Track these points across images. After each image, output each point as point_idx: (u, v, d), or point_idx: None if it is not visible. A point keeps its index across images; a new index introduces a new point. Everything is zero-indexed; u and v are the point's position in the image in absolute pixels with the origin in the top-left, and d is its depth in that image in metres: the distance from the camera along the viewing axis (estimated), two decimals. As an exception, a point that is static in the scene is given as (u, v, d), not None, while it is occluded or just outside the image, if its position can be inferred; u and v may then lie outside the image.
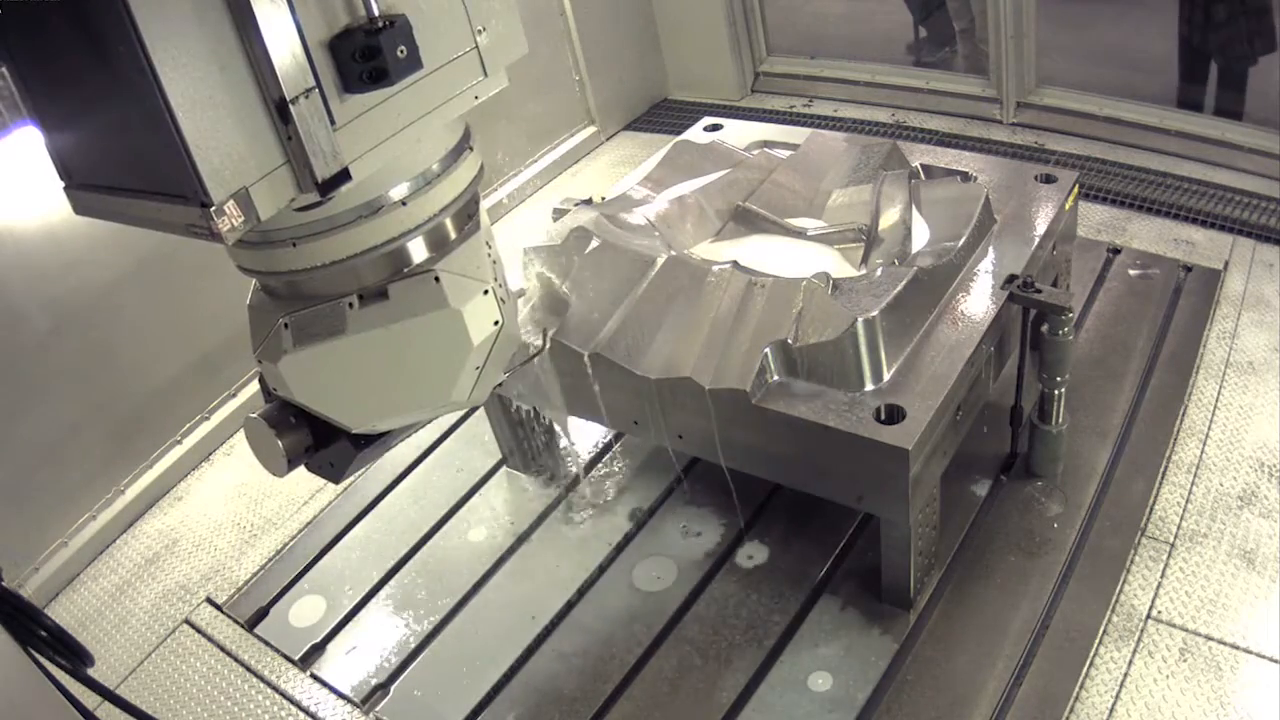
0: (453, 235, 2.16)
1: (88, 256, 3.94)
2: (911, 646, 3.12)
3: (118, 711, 2.07)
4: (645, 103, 6.76)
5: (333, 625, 3.57)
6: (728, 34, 6.40)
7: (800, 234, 3.61)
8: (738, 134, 4.30)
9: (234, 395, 4.60)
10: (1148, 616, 3.08)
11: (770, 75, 6.62)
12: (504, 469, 4.04)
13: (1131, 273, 4.46)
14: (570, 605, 3.45)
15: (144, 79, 1.59)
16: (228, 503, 4.23)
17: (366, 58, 1.76)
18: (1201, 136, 5.10)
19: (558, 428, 3.95)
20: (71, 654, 1.85)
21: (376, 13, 1.78)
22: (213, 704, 3.38)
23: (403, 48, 1.78)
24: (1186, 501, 3.41)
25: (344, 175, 1.82)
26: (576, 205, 3.76)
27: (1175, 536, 3.30)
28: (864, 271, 3.32)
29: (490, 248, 2.26)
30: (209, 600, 3.79)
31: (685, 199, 3.71)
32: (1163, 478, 3.50)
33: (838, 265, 3.40)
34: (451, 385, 2.16)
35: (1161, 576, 3.19)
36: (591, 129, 6.45)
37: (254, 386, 4.63)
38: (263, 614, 3.69)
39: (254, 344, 2.20)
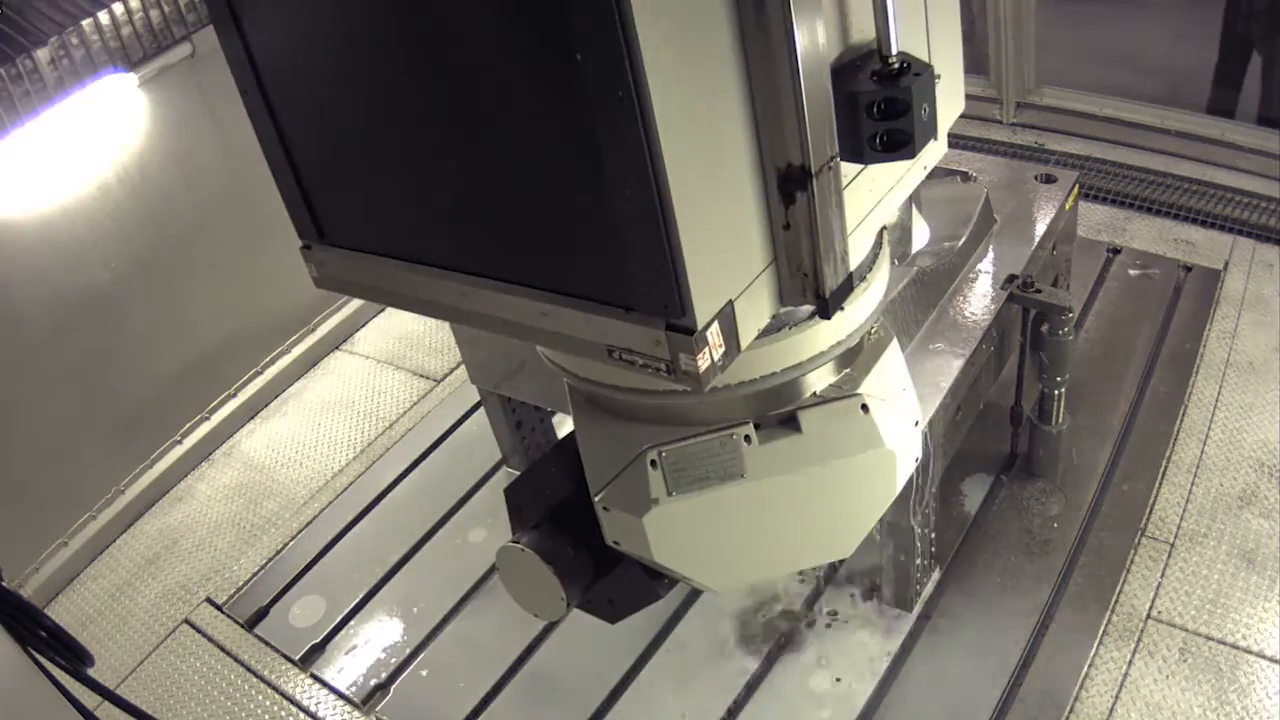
0: (863, 344, 1.69)
1: (88, 257, 3.94)
2: (911, 646, 3.12)
3: (118, 711, 2.07)
4: (645, 103, 6.74)
5: (333, 625, 3.56)
6: (728, 34, 6.36)
7: (801, 234, 3.59)
8: (738, 134, 4.28)
9: (234, 395, 4.60)
10: (1148, 616, 3.08)
11: (770, 75, 6.60)
12: (504, 469, 4.04)
13: (1131, 273, 4.46)
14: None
15: (633, 139, 1.06)
16: (228, 503, 4.23)
17: (886, 115, 1.24)
18: (1201, 136, 5.09)
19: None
20: (71, 654, 1.85)
21: (894, 49, 1.25)
22: (213, 704, 3.38)
23: (927, 105, 1.27)
24: (1186, 501, 3.40)
25: (848, 284, 1.33)
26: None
27: (1175, 536, 3.30)
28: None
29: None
30: (209, 600, 3.78)
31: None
32: (1163, 478, 3.50)
33: (838, 265, 3.38)
34: (857, 536, 1.75)
35: (1161, 576, 3.19)
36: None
37: (254, 387, 4.63)
38: (263, 614, 3.69)
39: (592, 480, 1.66)
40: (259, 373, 4.67)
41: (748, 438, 1.55)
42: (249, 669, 3.48)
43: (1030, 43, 5.42)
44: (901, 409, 1.65)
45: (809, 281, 1.26)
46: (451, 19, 1.18)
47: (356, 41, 1.32)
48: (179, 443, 4.43)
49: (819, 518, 1.65)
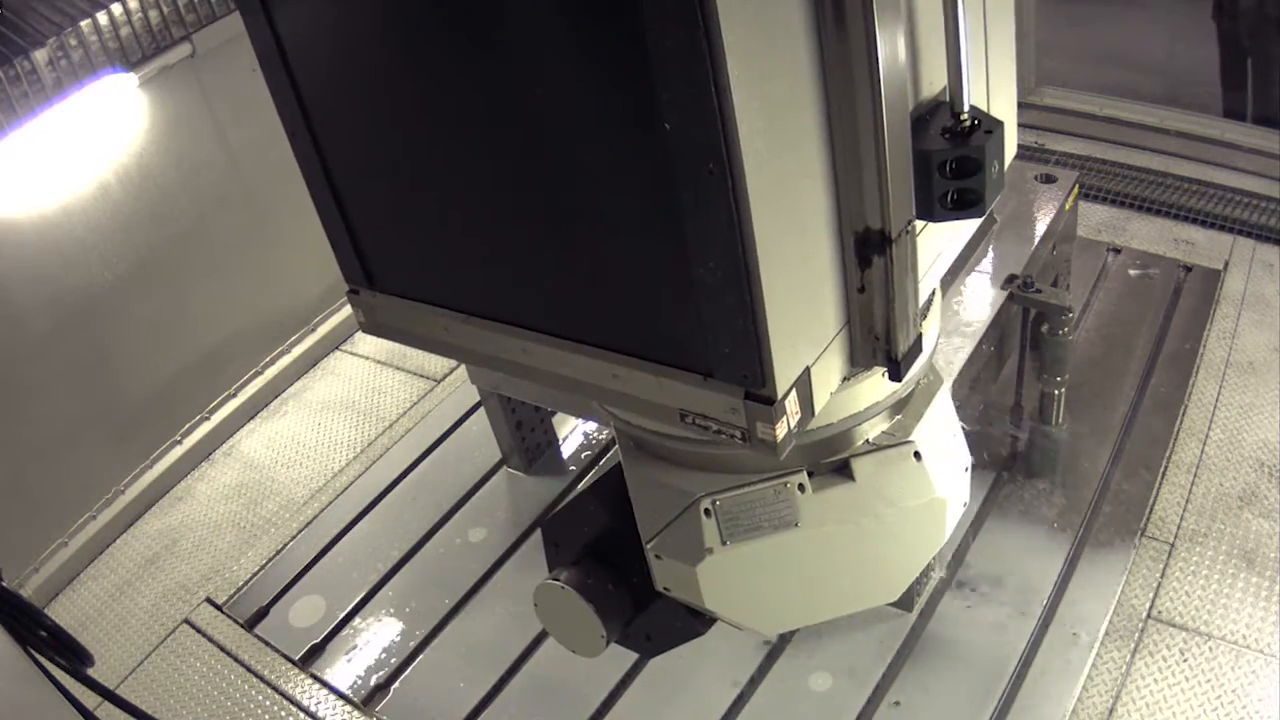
0: (914, 389, 1.66)
1: (88, 257, 3.94)
2: (912, 646, 3.12)
3: (118, 711, 2.07)
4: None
5: (333, 625, 3.56)
6: (728, 34, 6.36)
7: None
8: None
9: (234, 395, 4.59)
10: (1148, 616, 3.08)
11: (770, 75, 6.59)
12: (504, 469, 4.04)
13: (1131, 273, 4.46)
14: (570, 605, 3.45)
15: (722, 212, 1.01)
16: (228, 503, 4.23)
17: (958, 174, 1.22)
18: (1201, 136, 5.09)
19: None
20: (71, 654, 1.85)
21: (967, 105, 1.22)
22: (213, 704, 3.38)
23: (997, 163, 1.24)
24: (1186, 501, 3.40)
25: (917, 345, 1.32)
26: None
27: (1175, 536, 3.30)
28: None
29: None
30: (209, 600, 3.78)
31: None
32: (1163, 478, 3.50)
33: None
34: (905, 581, 1.74)
35: (1161, 576, 3.19)
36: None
37: (254, 387, 4.63)
38: (263, 614, 3.68)
39: (643, 527, 1.64)
40: (259, 373, 4.67)
41: (801, 486, 1.53)
42: (249, 669, 3.48)
43: (1030, 43, 5.42)
44: (952, 455, 1.65)
45: (880, 344, 1.25)
46: (531, 70, 1.11)
47: (420, 81, 1.24)
48: (179, 443, 4.43)
49: (869, 564, 1.65)
